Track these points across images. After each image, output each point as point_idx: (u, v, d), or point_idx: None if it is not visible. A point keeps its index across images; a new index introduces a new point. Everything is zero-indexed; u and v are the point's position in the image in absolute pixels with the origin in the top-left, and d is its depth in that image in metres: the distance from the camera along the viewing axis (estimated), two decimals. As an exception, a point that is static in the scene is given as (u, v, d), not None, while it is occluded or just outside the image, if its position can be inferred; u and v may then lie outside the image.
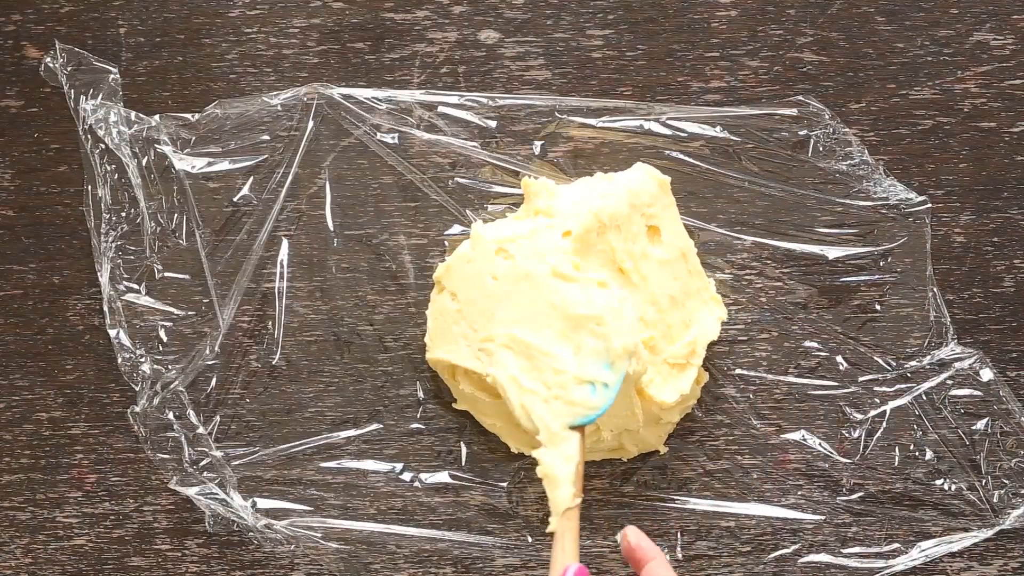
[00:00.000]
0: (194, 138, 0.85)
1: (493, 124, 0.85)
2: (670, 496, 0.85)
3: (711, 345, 0.83)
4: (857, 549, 0.84)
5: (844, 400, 0.85)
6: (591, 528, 0.85)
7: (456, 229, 0.85)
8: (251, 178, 0.86)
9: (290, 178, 0.85)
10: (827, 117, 0.85)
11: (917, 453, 0.84)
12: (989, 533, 0.83)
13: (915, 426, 0.84)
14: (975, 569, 0.85)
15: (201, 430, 0.85)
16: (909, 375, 0.84)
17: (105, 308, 0.85)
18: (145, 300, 0.85)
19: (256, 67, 0.87)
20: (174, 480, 0.84)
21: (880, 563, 0.84)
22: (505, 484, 0.85)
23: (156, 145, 0.85)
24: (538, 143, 0.86)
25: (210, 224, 0.85)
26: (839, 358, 0.85)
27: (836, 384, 0.85)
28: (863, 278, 0.85)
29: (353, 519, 0.85)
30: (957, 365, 0.84)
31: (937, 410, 0.84)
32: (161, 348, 0.85)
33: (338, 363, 0.86)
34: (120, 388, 0.86)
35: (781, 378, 0.85)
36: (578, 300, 0.75)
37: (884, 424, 0.84)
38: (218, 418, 0.85)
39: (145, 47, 0.87)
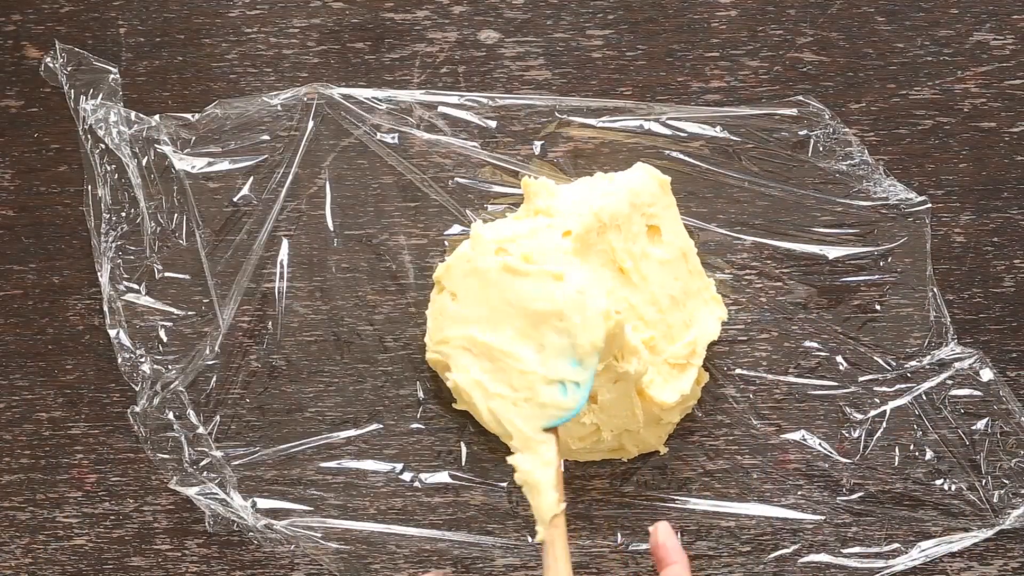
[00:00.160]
0: (194, 138, 0.85)
1: (493, 124, 0.85)
2: (670, 496, 0.85)
3: (711, 345, 0.83)
4: (857, 549, 0.84)
5: (844, 400, 0.85)
6: (591, 528, 0.85)
7: (456, 229, 0.85)
8: (251, 178, 0.86)
9: (290, 178, 0.85)
10: (827, 117, 0.85)
11: (917, 453, 0.84)
12: (989, 533, 0.83)
13: (915, 426, 0.84)
14: (975, 569, 0.85)
15: (201, 430, 0.85)
16: (909, 375, 0.84)
17: (105, 308, 0.85)
18: (145, 300, 0.85)
19: (256, 67, 0.87)
20: (174, 480, 0.84)
21: (880, 563, 0.84)
22: (505, 484, 0.85)
23: (156, 145, 0.85)
24: (538, 143, 0.86)
25: (210, 224, 0.85)
26: (839, 358, 0.85)
27: (836, 384, 0.85)
28: (863, 278, 0.85)
29: (353, 519, 0.85)
30: (957, 365, 0.84)
31: (937, 410, 0.84)
32: (161, 348, 0.85)
33: (338, 363, 0.86)
34: (120, 388, 0.86)
35: (781, 378, 0.85)
36: (533, 295, 0.72)
37: (884, 424, 0.84)
38: (218, 418, 0.85)
39: (145, 47, 0.87)
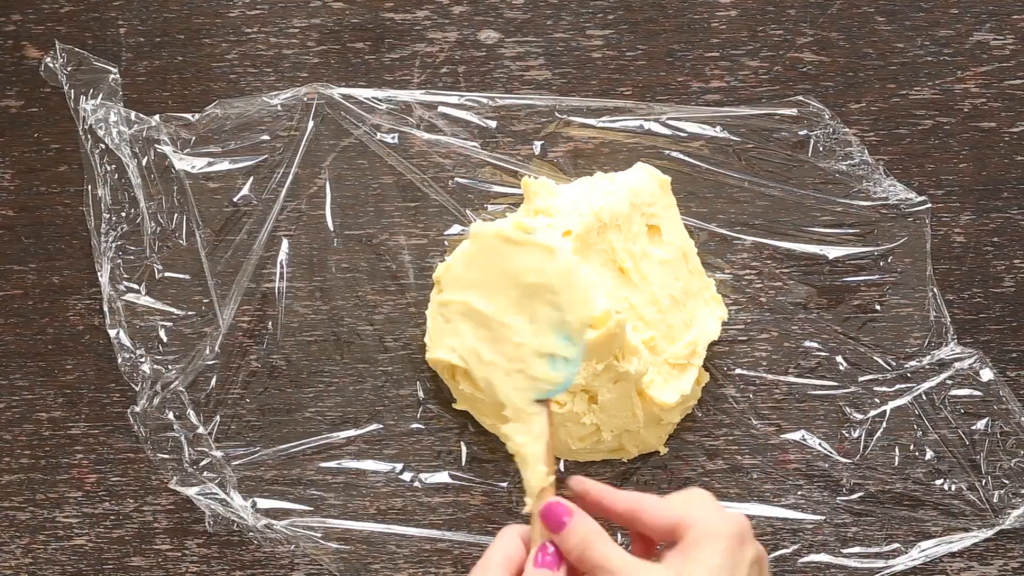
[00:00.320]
0: (194, 138, 0.85)
1: (493, 124, 0.85)
2: (670, 496, 0.85)
3: (711, 345, 0.83)
4: (857, 549, 0.84)
5: (844, 400, 0.85)
6: (591, 528, 0.85)
7: (456, 229, 0.85)
8: (251, 178, 0.86)
9: (290, 178, 0.85)
10: (827, 117, 0.85)
11: (917, 453, 0.84)
12: (989, 533, 0.83)
13: (915, 426, 0.84)
14: (975, 569, 0.85)
15: (201, 430, 0.84)
16: (909, 375, 0.84)
17: (105, 308, 0.85)
18: (145, 300, 0.85)
19: (256, 67, 0.87)
20: (174, 480, 0.84)
21: (880, 563, 0.84)
22: (505, 484, 0.85)
23: (156, 145, 0.85)
24: (538, 143, 0.86)
25: (210, 224, 0.85)
26: (839, 358, 0.85)
27: (836, 384, 0.85)
28: (863, 278, 0.85)
29: (353, 519, 0.85)
30: (957, 365, 0.84)
31: (937, 410, 0.84)
32: (161, 348, 0.85)
33: (338, 363, 0.86)
34: (120, 388, 0.86)
35: (781, 378, 0.85)
36: (526, 267, 0.71)
37: (884, 424, 0.84)
38: (218, 418, 0.85)
39: (145, 47, 0.87)
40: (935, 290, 0.85)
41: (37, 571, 0.86)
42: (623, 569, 0.64)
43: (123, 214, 0.85)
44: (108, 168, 0.85)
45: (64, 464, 0.86)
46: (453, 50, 0.86)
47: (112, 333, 0.85)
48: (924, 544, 0.84)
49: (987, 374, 0.84)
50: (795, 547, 0.84)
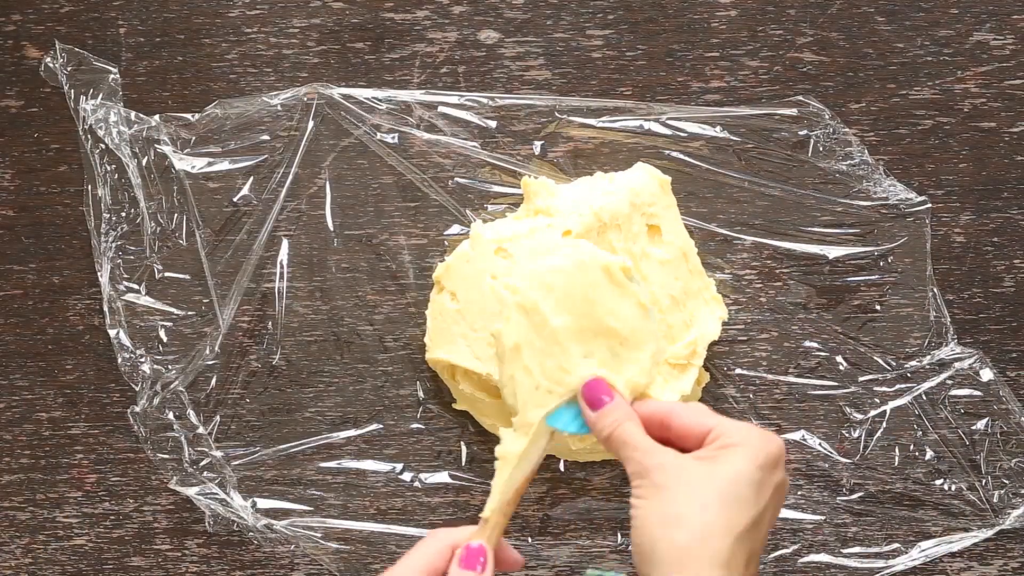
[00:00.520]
0: (194, 138, 0.85)
1: (493, 124, 0.85)
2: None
3: (711, 345, 0.83)
4: (857, 549, 0.84)
5: (844, 400, 0.85)
6: (591, 528, 0.85)
7: (456, 229, 0.85)
8: (251, 178, 0.86)
9: (290, 178, 0.85)
10: (827, 117, 0.85)
11: (917, 453, 0.84)
12: (989, 533, 0.83)
13: (915, 426, 0.84)
14: (975, 569, 0.85)
15: (201, 430, 0.84)
16: (909, 375, 0.84)
17: (105, 308, 0.85)
18: (145, 300, 0.85)
19: (256, 67, 0.87)
20: (174, 480, 0.84)
21: (880, 563, 0.84)
22: (505, 484, 0.85)
23: (156, 145, 0.85)
24: (538, 143, 0.86)
25: (210, 224, 0.85)
26: (839, 358, 0.85)
27: (836, 384, 0.85)
28: (863, 278, 0.85)
29: (353, 519, 0.85)
30: (957, 365, 0.84)
31: (937, 410, 0.84)
32: (161, 348, 0.85)
33: (338, 363, 0.86)
34: (120, 388, 0.86)
35: (781, 378, 0.85)
36: (615, 310, 0.69)
37: (884, 424, 0.84)
38: (218, 418, 0.85)
39: (145, 47, 0.87)
40: (935, 290, 0.85)
41: (37, 571, 0.86)
42: (651, 450, 0.63)
43: (123, 214, 0.85)
44: (108, 168, 0.85)
45: (64, 464, 0.86)
46: (453, 50, 0.86)
47: (112, 333, 0.85)
48: (924, 544, 0.84)
49: (987, 374, 0.84)
50: (795, 547, 0.84)
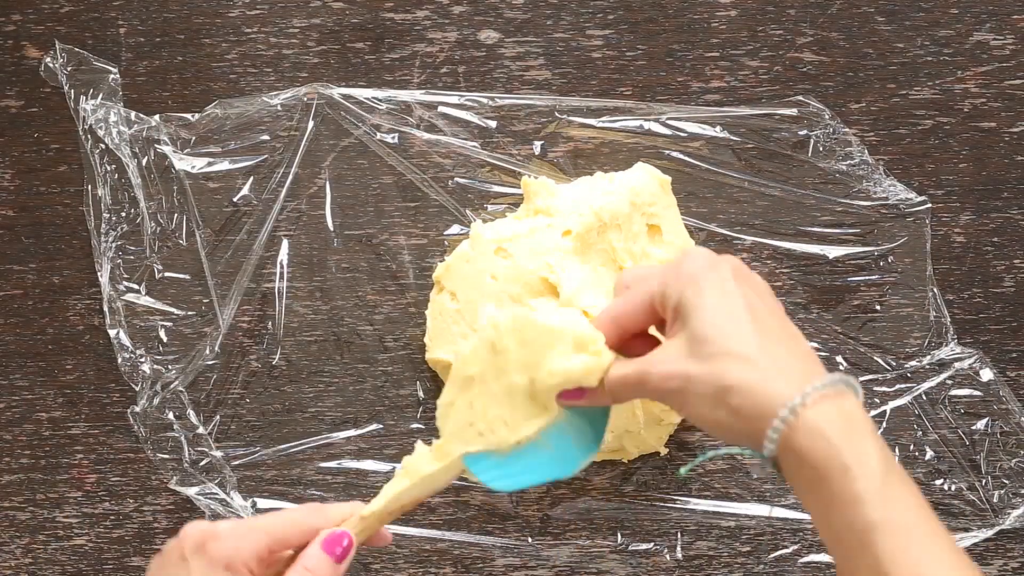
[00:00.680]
0: (194, 138, 0.85)
1: (493, 124, 0.85)
2: (670, 496, 0.85)
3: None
4: (857, 549, 0.84)
5: (844, 400, 0.84)
6: (591, 528, 0.85)
7: (456, 229, 0.85)
8: (251, 178, 0.86)
9: (290, 178, 0.85)
10: (827, 117, 0.85)
11: (917, 453, 0.84)
12: (989, 533, 0.83)
13: (915, 426, 0.84)
14: (975, 569, 0.85)
15: (201, 430, 0.84)
16: (909, 375, 0.84)
17: (105, 308, 0.85)
18: (145, 300, 0.85)
19: (256, 67, 0.87)
20: (174, 480, 0.84)
21: (880, 563, 0.84)
22: (505, 484, 0.85)
23: (156, 145, 0.85)
24: (538, 143, 0.86)
25: (210, 224, 0.85)
26: (839, 358, 0.85)
27: (836, 384, 0.85)
28: (863, 278, 0.85)
29: (353, 519, 0.85)
30: (957, 365, 0.84)
31: (937, 410, 0.84)
32: (161, 348, 0.85)
33: (338, 363, 0.86)
34: (120, 388, 0.86)
35: (781, 378, 0.85)
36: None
37: (884, 424, 0.84)
38: (218, 418, 0.85)
39: (145, 47, 0.87)
40: (935, 290, 0.85)
41: (37, 571, 0.86)
42: (650, 365, 0.61)
43: (123, 214, 0.85)
44: (108, 168, 0.85)
45: (64, 464, 0.86)
46: (453, 50, 0.86)
47: (112, 333, 0.85)
48: (924, 544, 0.84)
49: (987, 374, 0.84)
50: (795, 547, 0.84)
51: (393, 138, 0.86)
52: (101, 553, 0.86)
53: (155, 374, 0.85)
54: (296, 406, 0.85)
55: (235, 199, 0.85)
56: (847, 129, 0.85)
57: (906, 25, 0.86)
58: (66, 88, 0.85)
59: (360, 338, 0.86)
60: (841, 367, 0.85)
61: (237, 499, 0.84)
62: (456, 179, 0.86)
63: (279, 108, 0.85)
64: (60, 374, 0.86)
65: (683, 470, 0.63)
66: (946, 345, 0.84)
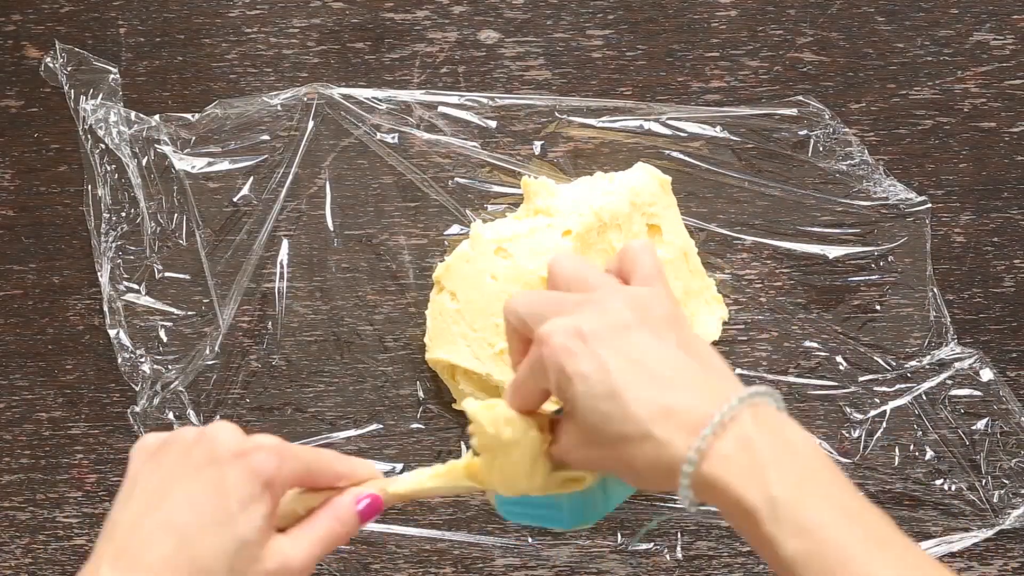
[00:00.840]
0: (194, 138, 0.85)
1: (493, 124, 0.85)
2: (670, 496, 0.85)
3: (711, 345, 0.83)
4: (857, 549, 0.84)
5: (844, 400, 0.85)
6: (591, 528, 0.85)
7: (456, 229, 0.85)
8: (251, 178, 0.86)
9: (290, 178, 0.85)
10: (827, 117, 0.85)
11: (917, 453, 0.84)
12: (989, 533, 0.83)
13: (915, 426, 0.84)
14: (975, 569, 0.85)
15: (201, 430, 0.84)
16: (909, 375, 0.84)
17: (105, 308, 0.85)
18: (145, 300, 0.85)
19: (256, 67, 0.87)
20: (174, 480, 0.84)
21: (880, 563, 0.84)
22: (505, 484, 0.85)
23: (156, 145, 0.85)
24: (538, 143, 0.86)
25: (210, 224, 0.85)
26: (839, 358, 0.85)
27: (836, 384, 0.85)
28: (863, 278, 0.85)
29: (353, 519, 0.85)
30: (957, 365, 0.84)
31: (937, 410, 0.84)
32: (161, 348, 0.85)
33: (338, 363, 0.86)
34: (120, 388, 0.86)
35: (781, 378, 0.85)
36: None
37: (884, 424, 0.84)
38: (218, 418, 0.85)
39: (145, 47, 0.87)
40: (935, 290, 0.85)
41: (37, 571, 0.86)
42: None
43: (123, 214, 0.85)
44: (108, 168, 0.85)
45: (64, 464, 0.86)
46: (453, 50, 0.86)
47: (112, 333, 0.85)
48: (924, 544, 0.84)
49: (987, 374, 0.84)
50: (795, 547, 0.84)
51: (393, 138, 0.86)
52: (101, 553, 0.86)
53: (155, 374, 0.85)
54: (296, 406, 0.85)
55: (235, 199, 0.85)
56: (847, 129, 0.85)
57: (906, 25, 0.86)
58: (66, 88, 0.85)
59: (360, 338, 0.86)
60: (841, 367, 0.85)
61: (237, 499, 0.84)
62: (456, 179, 0.86)
63: (279, 108, 0.85)
64: (60, 374, 0.86)
65: (636, 538, 0.63)
66: (946, 345, 0.84)
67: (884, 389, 0.84)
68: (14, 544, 0.86)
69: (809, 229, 0.85)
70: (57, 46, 0.85)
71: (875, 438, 0.84)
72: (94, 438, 0.86)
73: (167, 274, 0.85)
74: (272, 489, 0.58)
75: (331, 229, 0.86)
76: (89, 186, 0.85)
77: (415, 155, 0.86)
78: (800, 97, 0.85)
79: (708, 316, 0.83)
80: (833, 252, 0.85)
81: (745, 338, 0.85)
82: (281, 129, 0.85)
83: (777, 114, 0.85)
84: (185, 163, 0.85)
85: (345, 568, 0.85)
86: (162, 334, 0.85)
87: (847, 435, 0.84)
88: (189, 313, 0.85)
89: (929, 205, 0.85)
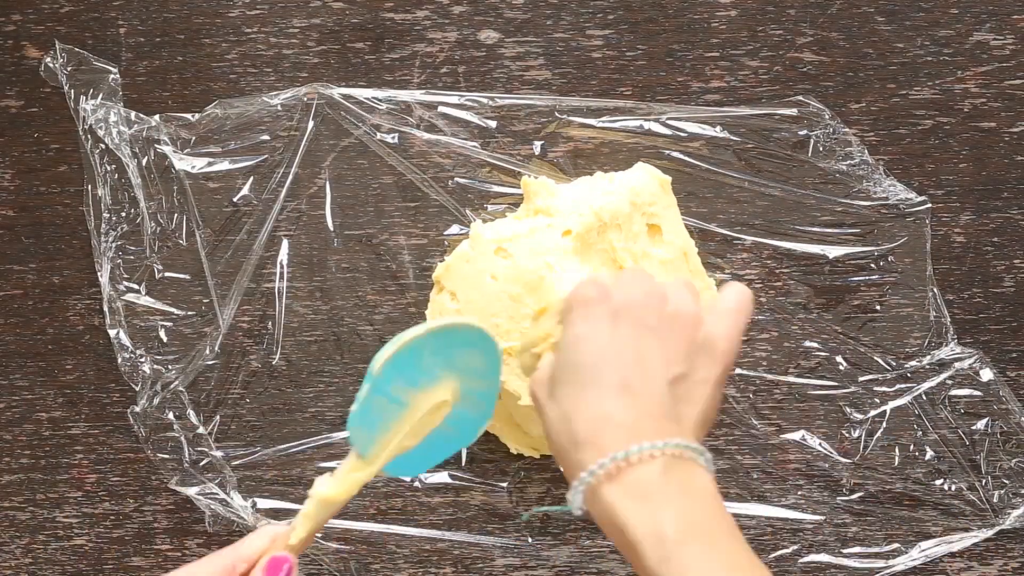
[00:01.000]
0: (194, 138, 0.85)
1: (493, 124, 0.85)
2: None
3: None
4: (857, 549, 0.84)
5: (844, 400, 0.85)
6: (592, 528, 0.85)
7: (456, 229, 0.85)
8: (251, 178, 0.86)
9: (290, 178, 0.85)
10: (827, 117, 0.85)
11: (917, 453, 0.84)
12: (989, 533, 0.83)
13: (915, 426, 0.84)
14: (975, 569, 0.85)
15: (201, 430, 0.84)
16: (909, 375, 0.84)
17: (105, 308, 0.85)
18: (145, 300, 0.85)
19: (256, 67, 0.87)
20: (174, 480, 0.84)
21: (880, 563, 0.84)
22: (505, 484, 0.85)
23: (156, 145, 0.85)
24: (538, 143, 0.86)
25: (210, 224, 0.85)
26: (839, 358, 0.85)
27: (836, 384, 0.85)
28: (863, 278, 0.85)
29: (353, 519, 0.85)
30: (957, 365, 0.84)
31: (937, 410, 0.84)
32: (161, 348, 0.85)
33: (338, 363, 0.86)
34: (120, 388, 0.86)
35: (781, 378, 0.85)
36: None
37: (884, 424, 0.84)
38: (218, 418, 0.85)
39: (145, 47, 0.87)
40: (935, 290, 0.85)
41: (37, 571, 0.86)
42: None
43: (123, 214, 0.85)
44: (108, 168, 0.85)
45: (64, 464, 0.86)
46: (453, 50, 0.86)
47: (112, 333, 0.85)
48: (924, 544, 0.84)
49: (987, 374, 0.84)
50: (795, 547, 0.84)
51: (393, 138, 0.86)
52: (101, 553, 0.86)
53: (155, 374, 0.85)
54: (296, 406, 0.85)
55: (235, 199, 0.85)
56: (847, 129, 0.85)
57: (906, 25, 0.86)
58: (66, 88, 0.85)
59: (360, 338, 0.86)
60: (841, 367, 0.85)
61: (237, 499, 0.84)
62: (456, 179, 0.86)
63: (279, 108, 0.85)
64: (60, 374, 0.86)
65: (525, 515, 0.64)
66: (946, 345, 0.84)
67: (884, 389, 0.84)
68: (14, 544, 0.86)
69: (809, 229, 0.85)
70: (57, 46, 0.85)
71: (875, 438, 0.84)
72: (94, 438, 0.86)
73: (167, 274, 0.85)
74: None
75: (331, 229, 0.86)
76: (89, 186, 0.85)
77: (415, 155, 0.86)
78: (800, 97, 0.85)
79: (708, 316, 0.83)
80: (833, 252, 0.85)
81: (745, 338, 0.85)
82: (281, 129, 0.85)
83: (777, 114, 0.85)
84: (185, 163, 0.85)
85: (345, 568, 0.85)
86: (162, 334, 0.85)
87: (847, 435, 0.84)
88: (189, 313, 0.85)
89: (929, 205, 0.85)
